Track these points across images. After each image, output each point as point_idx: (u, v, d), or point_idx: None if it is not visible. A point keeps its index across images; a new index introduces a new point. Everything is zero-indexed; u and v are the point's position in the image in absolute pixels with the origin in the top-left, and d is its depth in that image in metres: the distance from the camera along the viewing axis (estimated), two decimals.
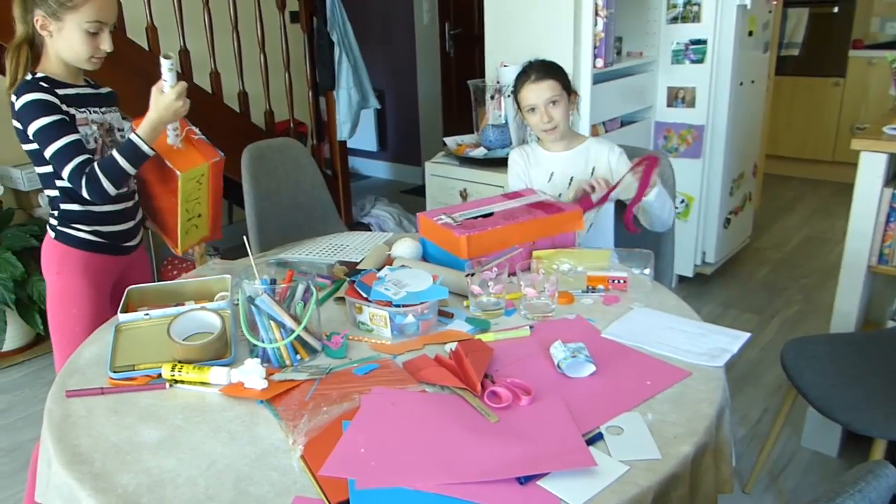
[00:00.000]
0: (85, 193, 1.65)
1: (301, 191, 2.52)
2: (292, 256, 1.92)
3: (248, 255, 1.63)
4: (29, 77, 1.68)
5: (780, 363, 1.88)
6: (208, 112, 3.53)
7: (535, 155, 2.18)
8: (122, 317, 1.46)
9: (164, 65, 1.57)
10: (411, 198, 5.32)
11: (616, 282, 1.64)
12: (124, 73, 3.10)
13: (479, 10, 3.54)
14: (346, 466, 1.03)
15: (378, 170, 6.09)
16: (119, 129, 1.87)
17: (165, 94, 1.63)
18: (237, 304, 1.40)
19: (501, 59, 2.89)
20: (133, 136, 1.64)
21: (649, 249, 1.73)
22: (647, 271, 1.69)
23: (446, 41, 5.53)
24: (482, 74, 3.13)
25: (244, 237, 1.75)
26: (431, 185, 3.26)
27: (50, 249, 1.81)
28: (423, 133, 5.67)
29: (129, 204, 1.87)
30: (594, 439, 1.09)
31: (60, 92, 1.69)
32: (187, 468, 1.06)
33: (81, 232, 1.78)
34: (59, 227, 1.78)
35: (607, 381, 1.26)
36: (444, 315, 1.54)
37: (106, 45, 1.70)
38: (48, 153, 1.64)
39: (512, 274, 1.60)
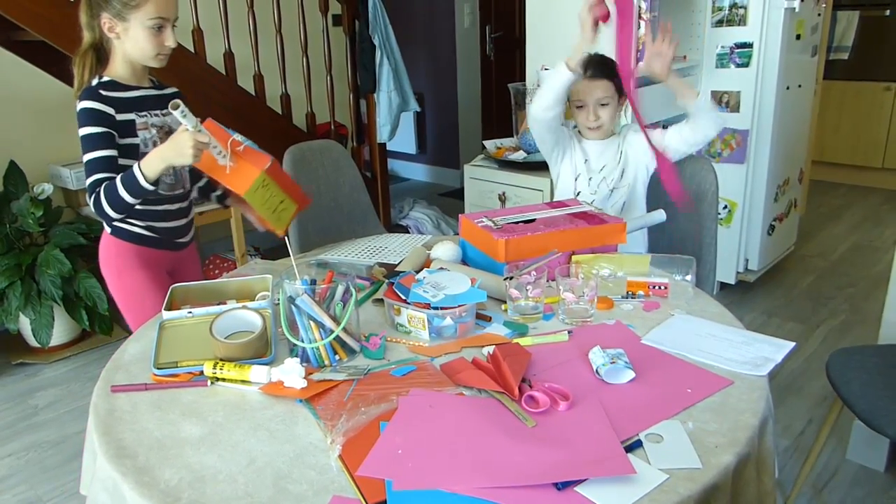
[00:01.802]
0: (91, 206, 1.71)
1: (341, 192, 2.54)
2: (332, 257, 1.94)
3: (288, 255, 1.65)
4: (94, 82, 1.75)
5: (826, 374, 1.83)
6: (251, 114, 3.58)
7: (574, 136, 2.19)
8: (166, 314, 1.49)
9: (176, 115, 1.54)
10: (450, 201, 5.33)
11: (657, 288, 1.62)
12: (170, 77, 3.17)
13: (521, 13, 3.54)
14: (384, 467, 1.04)
15: (417, 172, 6.12)
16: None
17: (178, 133, 1.58)
18: (278, 304, 1.42)
19: (542, 62, 2.88)
20: (135, 167, 1.63)
21: (690, 255, 1.70)
22: (688, 277, 1.67)
23: (487, 44, 5.53)
24: (522, 78, 3.12)
25: (285, 238, 1.78)
26: (470, 189, 3.27)
27: (107, 245, 1.89)
28: (463, 136, 5.68)
29: (184, 204, 1.94)
30: (633, 446, 1.08)
31: (123, 95, 1.75)
32: (227, 465, 1.07)
33: (136, 227, 1.85)
34: (115, 223, 1.84)
35: (647, 387, 1.24)
36: (482, 318, 1.54)
37: (170, 41, 1.75)
38: (83, 160, 1.72)
39: (551, 279, 1.59)
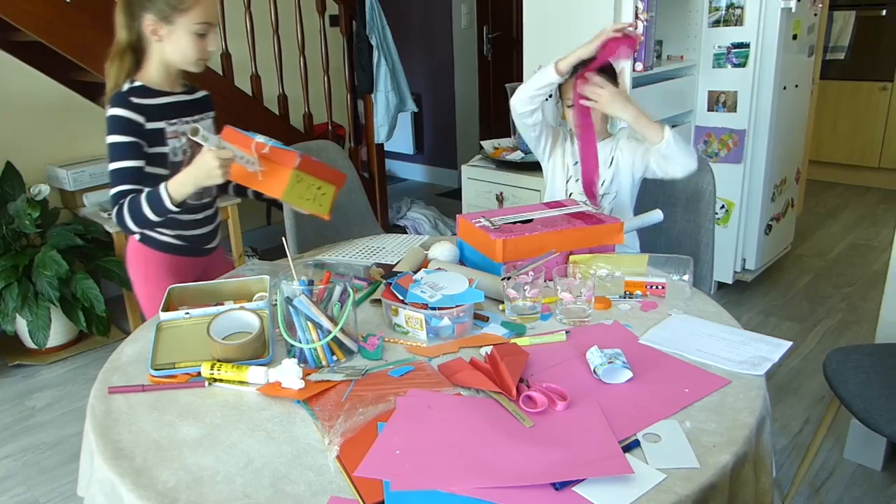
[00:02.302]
0: (113, 218, 1.69)
1: (338, 193, 2.53)
2: (330, 258, 1.94)
3: (286, 256, 1.65)
4: (125, 87, 1.71)
5: (823, 373, 1.84)
6: (248, 114, 3.58)
7: (568, 137, 2.18)
8: (163, 315, 1.49)
9: (197, 140, 1.52)
10: (447, 201, 5.33)
11: (654, 287, 1.62)
12: None
13: (518, 13, 3.54)
14: (382, 468, 1.04)
15: (414, 173, 6.12)
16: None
17: (203, 154, 1.57)
18: (275, 305, 1.41)
19: (540, 62, 2.88)
20: (161, 188, 1.62)
21: (688, 255, 1.71)
22: (685, 277, 1.67)
23: (484, 44, 5.53)
24: (520, 78, 3.12)
25: (283, 238, 1.77)
26: (468, 189, 3.27)
27: (135, 251, 1.89)
28: (460, 136, 5.68)
29: (210, 211, 1.95)
30: (631, 446, 1.08)
31: (154, 102, 1.72)
32: (225, 466, 1.07)
33: (164, 236, 1.86)
34: (143, 231, 1.83)
35: (644, 387, 1.25)
36: (480, 318, 1.54)
37: (213, 46, 1.73)
38: (109, 168, 1.68)
39: (548, 279, 1.59)
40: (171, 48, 1.70)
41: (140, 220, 1.65)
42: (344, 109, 4.27)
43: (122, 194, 1.66)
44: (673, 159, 1.93)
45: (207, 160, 1.55)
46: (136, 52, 1.73)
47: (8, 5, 2.64)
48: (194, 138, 1.50)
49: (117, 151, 1.67)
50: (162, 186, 1.62)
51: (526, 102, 2.02)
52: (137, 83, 1.72)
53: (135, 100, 1.69)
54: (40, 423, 2.71)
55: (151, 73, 1.74)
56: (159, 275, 1.86)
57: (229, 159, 1.55)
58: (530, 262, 1.60)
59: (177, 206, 1.63)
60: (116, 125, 1.67)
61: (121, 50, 1.72)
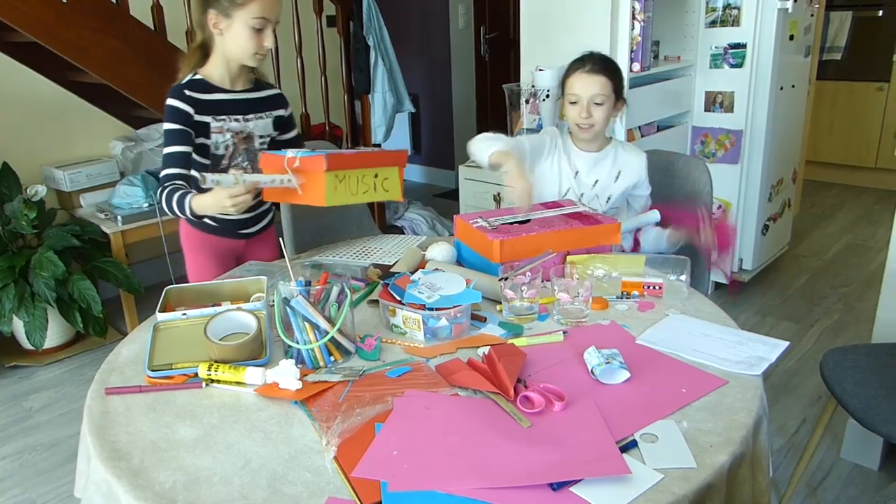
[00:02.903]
0: (157, 200, 1.84)
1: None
2: (327, 259, 1.94)
3: (283, 256, 1.65)
4: (185, 80, 1.86)
5: (820, 373, 1.84)
6: None
7: (565, 146, 2.12)
8: (160, 316, 1.48)
9: (209, 185, 1.58)
10: (445, 201, 5.33)
11: (651, 288, 1.62)
12: (166, 77, 3.16)
13: (515, 14, 3.54)
14: (379, 468, 1.04)
15: (412, 173, 6.12)
16: (261, 137, 1.99)
17: (217, 191, 1.67)
18: (272, 306, 1.41)
19: (537, 63, 2.88)
20: (188, 200, 1.74)
21: (685, 255, 1.71)
22: (683, 277, 1.67)
23: (482, 45, 5.53)
24: (517, 78, 3.13)
25: (280, 239, 1.77)
26: (465, 189, 3.27)
27: (182, 227, 2.07)
28: (458, 137, 5.68)
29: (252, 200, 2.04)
30: (628, 446, 1.08)
31: (205, 97, 1.85)
32: (222, 467, 1.07)
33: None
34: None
35: (642, 387, 1.25)
36: (478, 319, 1.54)
37: (268, 41, 1.82)
38: (163, 152, 1.85)
39: (546, 280, 1.59)
40: (231, 42, 1.81)
41: (170, 211, 1.80)
42: (341, 110, 4.26)
43: (168, 178, 1.82)
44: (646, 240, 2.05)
45: (220, 199, 1.67)
46: (205, 48, 1.87)
47: (4, 6, 2.63)
48: (204, 186, 1.59)
49: (169, 137, 1.83)
50: (189, 198, 1.75)
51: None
52: (198, 76, 1.86)
53: (188, 92, 1.83)
54: (37, 424, 2.70)
55: (213, 68, 1.88)
56: (197, 249, 2.04)
57: (244, 194, 1.65)
58: (528, 262, 1.60)
59: (197, 217, 1.80)
60: (170, 114, 1.82)
61: (195, 47, 1.89)
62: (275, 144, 2.06)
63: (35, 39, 2.77)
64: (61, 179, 3.31)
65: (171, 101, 1.82)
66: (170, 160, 1.83)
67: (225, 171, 1.95)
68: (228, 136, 1.90)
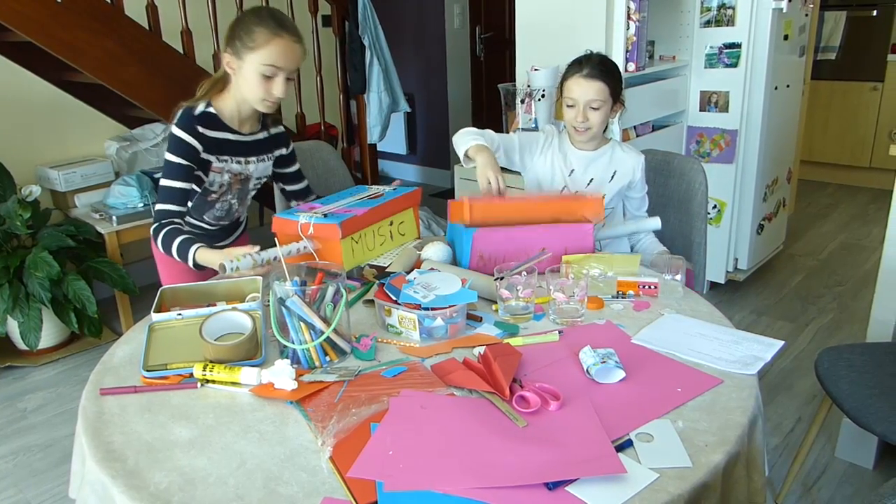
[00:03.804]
0: (151, 229, 1.79)
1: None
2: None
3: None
4: (198, 109, 1.81)
5: (815, 372, 1.85)
6: None
7: (562, 144, 2.12)
8: (155, 316, 1.48)
9: (227, 274, 1.57)
10: (440, 201, 5.32)
11: (647, 287, 1.62)
12: (159, 78, 3.16)
13: (511, 13, 3.54)
14: (375, 468, 1.04)
15: (407, 173, 6.11)
16: (257, 179, 1.99)
17: (226, 263, 1.58)
18: (268, 305, 1.41)
19: (532, 62, 2.88)
20: (192, 251, 1.70)
21: (680, 255, 1.71)
22: (678, 277, 1.67)
23: (477, 45, 5.53)
24: (513, 78, 3.13)
25: (275, 239, 1.77)
26: (461, 189, 3.27)
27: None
28: (453, 136, 5.68)
29: (227, 223, 2.07)
30: (624, 446, 1.08)
31: (212, 135, 1.82)
32: (218, 467, 1.07)
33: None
34: None
35: (637, 387, 1.25)
36: (473, 318, 1.54)
37: (278, 91, 1.78)
38: (161, 182, 1.79)
39: (541, 274, 1.58)
40: (241, 83, 1.79)
41: (168, 253, 1.76)
42: (337, 110, 4.26)
43: (164, 214, 1.78)
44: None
45: (223, 258, 1.61)
46: (226, 81, 1.84)
47: None
48: (224, 275, 1.58)
49: (171, 170, 1.78)
50: (193, 249, 1.70)
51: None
52: (210, 109, 1.82)
53: (200, 128, 1.79)
54: (32, 424, 2.70)
55: (226, 104, 1.85)
56: (170, 260, 1.90)
57: (264, 268, 1.63)
58: (522, 263, 1.61)
59: (198, 268, 1.72)
60: (177, 145, 1.78)
61: (217, 78, 1.86)
62: (275, 177, 2.10)
63: (30, 39, 2.76)
64: (56, 179, 3.30)
65: (180, 133, 1.78)
66: (169, 195, 1.79)
67: (212, 203, 1.95)
68: (227, 176, 1.90)
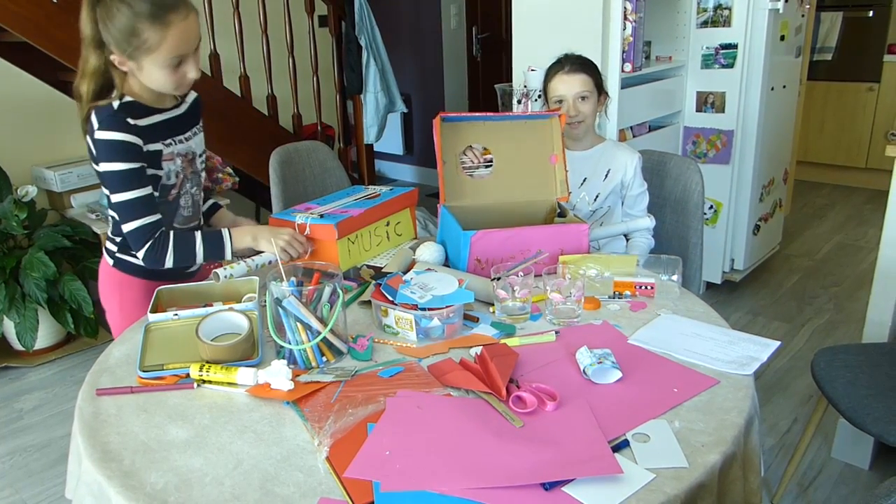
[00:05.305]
0: (140, 254, 1.58)
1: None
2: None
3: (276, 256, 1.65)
4: (116, 104, 1.53)
5: (811, 372, 1.85)
6: (237, 115, 3.57)
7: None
8: (151, 317, 1.48)
9: (221, 281, 1.57)
10: (436, 202, 5.32)
11: (643, 288, 1.62)
12: None
13: (507, 14, 3.54)
14: (372, 469, 1.04)
15: (404, 173, 6.11)
16: (200, 155, 1.76)
17: (219, 271, 1.56)
18: (264, 306, 1.41)
19: (529, 63, 2.88)
20: (226, 234, 1.65)
21: (677, 255, 1.71)
22: (674, 277, 1.68)
23: (473, 45, 5.53)
24: (509, 78, 3.13)
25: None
26: None
27: (108, 276, 1.78)
28: None
29: (196, 221, 1.83)
30: (620, 446, 1.08)
31: (147, 122, 1.57)
32: (214, 468, 1.06)
33: (140, 260, 1.64)
34: (117, 254, 1.74)
35: (634, 387, 1.25)
36: (470, 319, 1.54)
37: (192, 73, 1.54)
38: (115, 200, 1.55)
39: (538, 275, 1.59)
40: (146, 79, 1.53)
41: (185, 256, 1.62)
42: (333, 110, 4.26)
43: (152, 227, 1.57)
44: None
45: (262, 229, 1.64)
46: (110, 72, 1.54)
47: None
48: (219, 283, 1.56)
49: (125, 181, 1.53)
50: (227, 232, 1.65)
51: None
52: (127, 98, 1.55)
53: (130, 121, 1.53)
54: (28, 425, 2.69)
55: (137, 89, 1.57)
56: (134, 299, 1.73)
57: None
58: (519, 263, 1.61)
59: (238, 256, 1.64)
60: (117, 151, 1.51)
61: (93, 71, 1.53)
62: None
63: (26, 39, 2.75)
64: (52, 180, 3.30)
65: (115, 136, 1.49)
66: (137, 209, 1.54)
67: (175, 202, 1.69)
68: (178, 161, 1.65)
